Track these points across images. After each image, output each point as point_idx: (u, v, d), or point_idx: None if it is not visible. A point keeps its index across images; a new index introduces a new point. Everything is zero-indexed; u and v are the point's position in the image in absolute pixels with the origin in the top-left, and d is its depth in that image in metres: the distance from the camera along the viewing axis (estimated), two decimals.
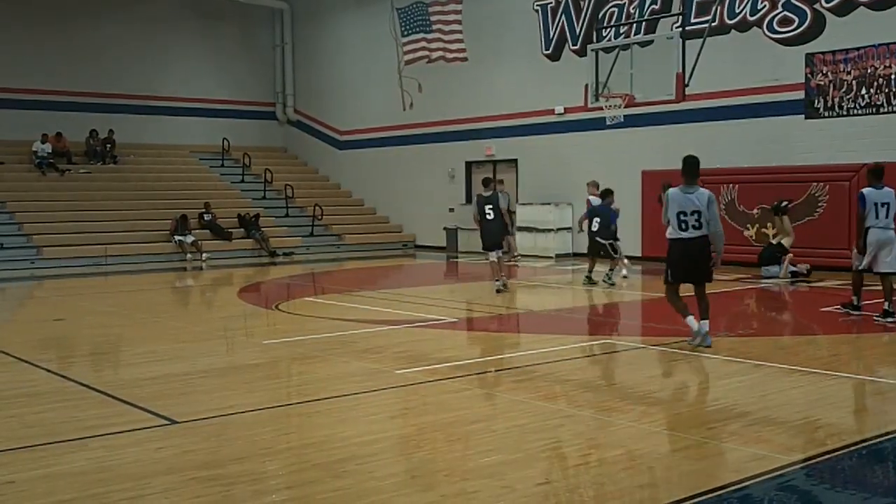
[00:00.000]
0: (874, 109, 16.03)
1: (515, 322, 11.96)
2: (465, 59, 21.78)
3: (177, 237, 22.22)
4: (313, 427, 6.22)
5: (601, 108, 16.21)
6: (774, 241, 16.21)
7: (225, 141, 27.93)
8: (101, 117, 26.11)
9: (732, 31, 17.95)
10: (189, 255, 22.00)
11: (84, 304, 13.52)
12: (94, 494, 4.69)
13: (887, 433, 5.75)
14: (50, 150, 24.40)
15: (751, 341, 9.59)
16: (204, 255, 22.01)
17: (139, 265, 20.51)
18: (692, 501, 4.52)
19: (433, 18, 21.92)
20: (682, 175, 8.93)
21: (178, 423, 6.16)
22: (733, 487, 4.70)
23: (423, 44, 22.18)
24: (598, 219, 14.83)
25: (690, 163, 8.96)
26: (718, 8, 17.90)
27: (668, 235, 9.02)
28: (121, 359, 9.38)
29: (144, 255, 21.52)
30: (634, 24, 19.28)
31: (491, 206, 13.91)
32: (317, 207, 25.22)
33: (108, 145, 25.87)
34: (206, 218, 23.36)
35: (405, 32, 22.67)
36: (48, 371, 8.21)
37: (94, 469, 5.15)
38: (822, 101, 16.71)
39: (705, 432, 5.78)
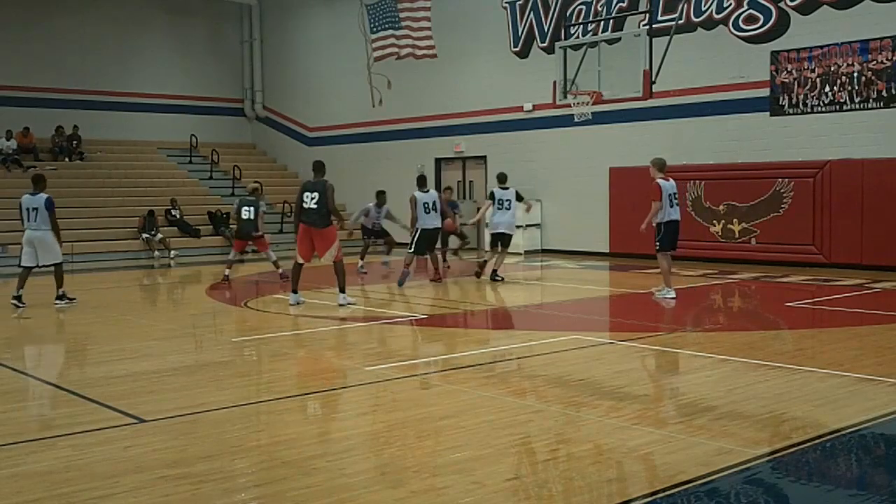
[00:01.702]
0: (837, 107, 16.24)
1: (485, 318, 12.00)
2: (435, 55, 21.77)
3: (144, 234, 22.06)
4: (283, 424, 6.21)
5: (569, 106, 16.27)
6: None
7: (193, 137, 27.73)
8: (67, 113, 25.82)
9: (699, 28, 18.11)
10: (157, 253, 21.84)
11: (50, 302, 13.36)
12: (61, 494, 4.66)
13: (851, 426, 5.85)
14: (15, 147, 24.10)
15: (717, 336, 9.70)
16: (172, 252, 21.86)
17: (106, 262, 20.32)
18: (660, 495, 4.57)
19: (402, 15, 21.85)
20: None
21: (146, 421, 6.12)
22: (701, 481, 4.76)
23: (393, 40, 22.11)
24: None
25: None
26: (685, 6, 18.05)
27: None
28: (88, 357, 9.31)
29: (112, 252, 21.34)
30: (602, 22, 19.39)
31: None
32: (286, 204, 25.11)
33: (75, 142, 25.61)
34: (173, 215, 23.20)
35: (374, 29, 22.58)
36: (14, 370, 8.12)
37: (62, 468, 5.11)
38: (786, 98, 16.91)
39: (673, 427, 5.85)
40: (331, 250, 11.88)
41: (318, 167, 12.30)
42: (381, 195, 17.36)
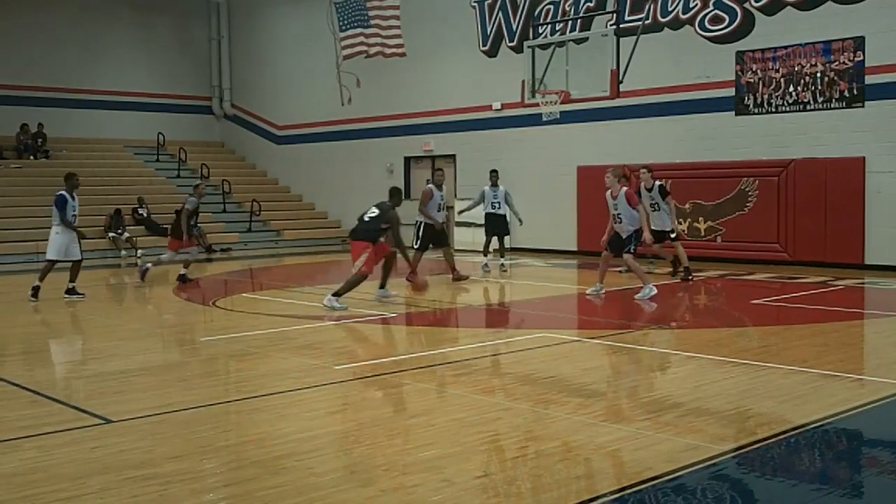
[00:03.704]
0: (801, 107, 16.44)
1: (454, 317, 12.02)
2: (404, 54, 21.72)
3: (111, 233, 21.85)
4: (252, 424, 6.20)
5: (538, 105, 16.33)
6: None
7: (160, 135, 27.50)
8: (32, 111, 25.51)
9: (665, 28, 18.26)
10: (123, 252, 21.65)
11: (15, 302, 13.22)
12: (27, 496, 4.62)
13: (814, 422, 5.94)
14: None
15: (684, 333, 9.79)
16: (139, 251, 21.67)
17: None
18: (628, 491, 4.62)
19: (371, 13, 21.78)
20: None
21: (113, 422, 6.08)
22: (668, 477, 4.81)
23: (362, 38, 22.02)
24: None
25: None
26: (652, 6, 18.19)
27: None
28: (54, 358, 9.22)
29: None
30: (570, 22, 19.49)
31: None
32: (255, 203, 25.00)
33: (39, 140, 25.32)
34: (140, 213, 23.00)
35: (343, 27, 22.48)
36: None
37: (28, 470, 5.06)
38: (751, 98, 17.09)
39: (640, 423, 5.90)
40: (357, 263, 11.86)
41: (392, 193, 12.76)
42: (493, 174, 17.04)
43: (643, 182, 14.42)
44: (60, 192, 13.17)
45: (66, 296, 13.13)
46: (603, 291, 12.73)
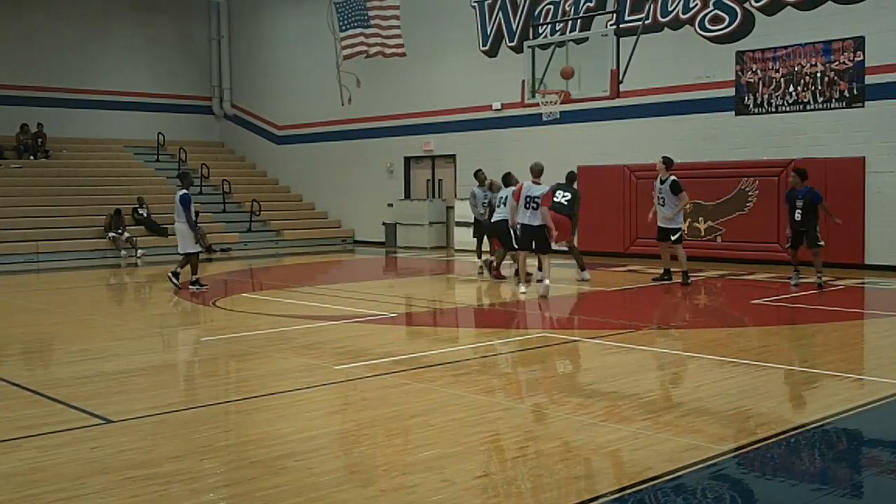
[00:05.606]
0: (801, 107, 16.45)
1: (454, 317, 12.02)
2: (404, 54, 21.72)
3: (111, 233, 21.86)
4: (252, 424, 6.20)
5: (537, 105, 16.34)
6: None
7: (160, 135, 27.50)
8: (32, 111, 25.50)
9: (665, 28, 18.26)
10: (124, 252, 21.65)
11: (15, 302, 13.22)
12: (28, 496, 4.62)
13: (814, 421, 5.94)
14: None
15: (684, 333, 9.78)
16: (139, 251, 21.69)
17: (72, 262, 20.11)
18: (628, 491, 4.62)
19: (371, 13, 21.77)
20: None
21: (113, 422, 6.08)
22: (668, 477, 4.82)
23: (362, 38, 22.02)
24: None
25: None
26: (652, 6, 18.19)
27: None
28: (54, 357, 9.22)
29: (78, 251, 21.12)
30: (570, 22, 19.49)
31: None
32: (255, 203, 25.01)
33: (40, 140, 25.32)
34: (140, 213, 23.01)
35: (343, 27, 22.48)
36: None
37: (28, 470, 5.06)
38: (751, 98, 17.10)
39: (640, 423, 5.90)
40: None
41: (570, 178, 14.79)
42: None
43: (659, 173, 14.19)
44: (185, 192, 13.68)
45: (192, 287, 13.73)
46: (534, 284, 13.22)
